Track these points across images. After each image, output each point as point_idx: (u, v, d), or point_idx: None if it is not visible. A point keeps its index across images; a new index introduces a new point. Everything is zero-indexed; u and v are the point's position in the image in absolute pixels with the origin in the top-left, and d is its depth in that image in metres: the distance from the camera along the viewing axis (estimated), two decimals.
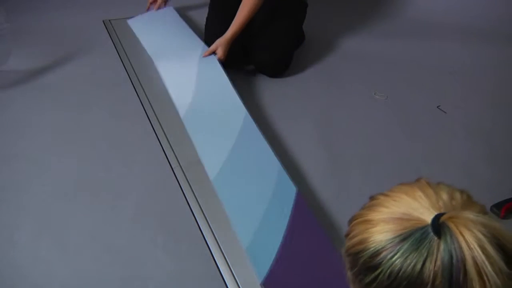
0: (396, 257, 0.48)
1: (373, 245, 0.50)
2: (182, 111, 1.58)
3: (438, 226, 0.47)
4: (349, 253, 0.54)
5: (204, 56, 1.80)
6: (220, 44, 1.79)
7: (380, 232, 0.50)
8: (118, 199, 1.33)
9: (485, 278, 0.45)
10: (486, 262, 0.45)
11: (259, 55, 1.88)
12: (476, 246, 0.45)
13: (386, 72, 2.00)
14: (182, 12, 2.35)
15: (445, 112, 1.76)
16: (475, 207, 0.52)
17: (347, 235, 0.56)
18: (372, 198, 0.57)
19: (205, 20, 2.03)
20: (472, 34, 2.30)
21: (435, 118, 1.73)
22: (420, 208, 0.50)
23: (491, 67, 2.08)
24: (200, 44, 1.91)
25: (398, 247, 0.48)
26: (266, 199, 1.25)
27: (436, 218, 0.48)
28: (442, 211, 0.50)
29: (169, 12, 2.16)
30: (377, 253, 0.49)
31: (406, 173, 1.47)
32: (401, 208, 0.51)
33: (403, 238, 0.48)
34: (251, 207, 1.24)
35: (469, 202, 0.53)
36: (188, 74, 1.75)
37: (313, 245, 1.15)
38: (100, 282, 1.12)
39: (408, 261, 0.47)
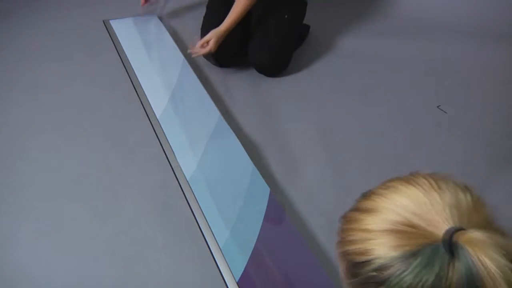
0: (405, 274, 0.46)
1: (378, 260, 0.48)
2: (158, 112, 1.61)
3: (451, 245, 0.45)
4: (348, 259, 0.52)
5: (198, 46, 1.79)
6: (213, 35, 1.78)
7: (385, 245, 0.48)
8: (118, 199, 1.33)
9: None
10: None
11: (257, 55, 1.88)
12: (497, 276, 0.43)
13: (386, 72, 2.00)
14: (176, 13, 2.35)
15: (445, 112, 1.76)
16: (482, 210, 0.50)
17: (342, 235, 0.54)
18: (366, 196, 0.54)
19: (201, 19, 2.03)
20: (473, 34, 2.30)
21: (435, 118, 1.73)
22: (426, 217, 0.47)
23: (491, 67, 2.08)
24: (179, 54, 1.92)
25: (407, 264, 0.46)
26: (240, 199, 1.28)
27: (448, 235, 0.45)
28: (451, 221, 0.47)
29: (153, 21, 2.17)
30: (383, 268, 0.47)
31: (406, 173, 1.47)
32: (403, 216, 0.48)
33: (412, 254, 0.46)
34: (226, 207, 1.27)
35: (475, 204, 0.50)
36: (166, 79, 1.78)
37: (287, 243, 1.18)
38: (100, 282, 1.12)
39: (418, 278, 0.45)
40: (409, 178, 0.54)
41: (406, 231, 0.47)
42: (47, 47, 2.01)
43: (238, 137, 1.50)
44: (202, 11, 2.06)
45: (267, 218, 1.22)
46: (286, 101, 1.78)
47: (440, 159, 1.54)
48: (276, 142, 1.57)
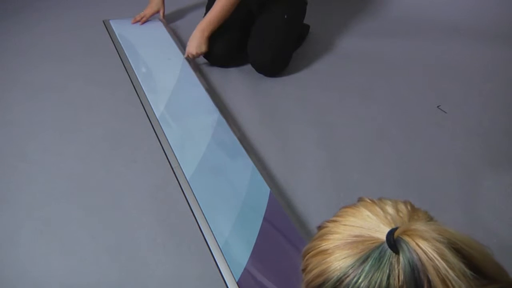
0: (360, 280, 0.48)
1: (334, 274, 0.50)
2: (158, 112, 1.61)
3: (394, 241, 0.48)
4: (310, 287, 0.53)
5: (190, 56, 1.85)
6: (190, 50, 1.83)
7: (338, 259, 0.50)
8: (118, 199, 1.33)
9: (449, 284, 0.45)
10: (448, 269, 0.45)
11: (257, 55, 1.88)
12: (435, 254, 0.46)
13: (386, 72, 2.00)
14: (176, 13, 2.35)
15: (445, 112, 1.76)
16: (421, 214, 0.53)
17: (303, 269, 0.55)
18: (320, 227, 0.57)
19: (201, 20, 2.03)
20: (473, 34, 2.30)
21: (435, 118, 1.73)
22: (370, 227, 0.51)
23: (491, 67, 2.08)
24: (179, 54, 1.92)
25: (360, 270, 0.48)
26: (240, 199, 1.28)
27: (390, 234, 0.48)
28: (393, 225, 0.50)
29: (153, 21, 2.17)
30: (340, 281, 0.49)
31: (406, 173, 1.47)
32: (352, 231, 0.52)
33: (363, 260, 0.48)
34: (226, 207, 1.27)
35: (414, 210, 0.54)
36: (166, 79, 1.78)
37: (287, 243, 1.17)
38: (100, 282, 1.12)
39: (373, 282, 0.47)
40: (355, 202, 0.57)
41: (355, 241, 0.50)
42: (47, 47, 2.01)
43: (238, 137, 1.50)
44: (202, 11, 2.06)
45: (267, 218, 1.22)
46: (286, 101, 1.78)
47: (440, 159, 1.54)
48: (276, 142, 1.57)
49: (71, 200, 1.32)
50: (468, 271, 0.46)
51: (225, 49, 1.90)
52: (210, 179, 1.36)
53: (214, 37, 1.87)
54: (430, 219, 0.54)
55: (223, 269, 1.11)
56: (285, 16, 1.88)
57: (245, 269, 1.10)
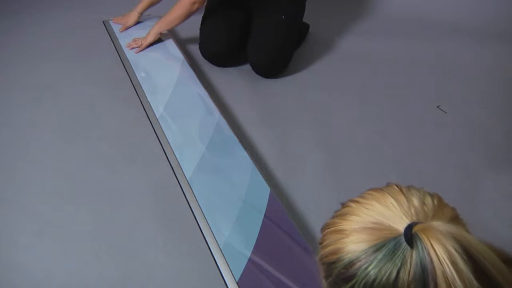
0: (370, 267, 0.48)
1: (347, 256, 0.50)
2: (158, 112, 1.61)
3: (411, 236, 0.48)
4: (323, 262, 0.54)
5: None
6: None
7: (354, 242, 0.51)
8: (118, 199, 1.33)
9: None
10: (456, 277, 0.45)
11: (256, 56, 1.87)
12: (446, 260, 0.46)
13: (386, 72, 2.00)
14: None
15: (445, 112, 1.76)
16: (447, 211, 0.53)
17: (320, 243, 0.57)
18: (343, 205, 0.58)
19: (201, 19, 2.03)
20: (473, 34, 2.30)
21: (435, 118, 1.73)
22: (392, 216, 0.51)
23: (491, 67, 2.08)
24: (179, 54, 1.91)
25: (372, 258, 0.48)
26: (240, 199, 1.28)
27: (409, 229, 0.48)
28: (414, 218, 0.50)
29: (152, 21, 2.16)
30: (351, 263, 0.50)
31: (406, 173, 1.47)
32: (373, 216, 0.52)
33: (377, 248, 0.49)
34: (226, 207, 1.27)
35: (440, 206, 0.53)
36: (166, 79, 1.78)
37: (287, 243, 1.17)
38: (100, 282, 1.12)
39: (383, 271, 0.47)
40: (383, 187, 0.57)
41: (374, 228, 0.50)
42: (47, 47, 2.01)
43: (238, 137, 1.50)
44: (201, 10, 2.06)
45: (267, 218, 1.22)
46: (286, 101, 1.78)
47: (440, 159, 1.54)
48: (276, 142, 1.57)
49: (71, 200, 1.32)
50: (476, 284, 0.45)
51: (225, 49, 1.90)
52: (210, 179, 1.36)
53: (214, 37, 1.86)
54: (455, 217, 0.53)
55: (223, 269, 1.12)
56: (283, 17, 1.86)
57: (245, 269, 1.10)
